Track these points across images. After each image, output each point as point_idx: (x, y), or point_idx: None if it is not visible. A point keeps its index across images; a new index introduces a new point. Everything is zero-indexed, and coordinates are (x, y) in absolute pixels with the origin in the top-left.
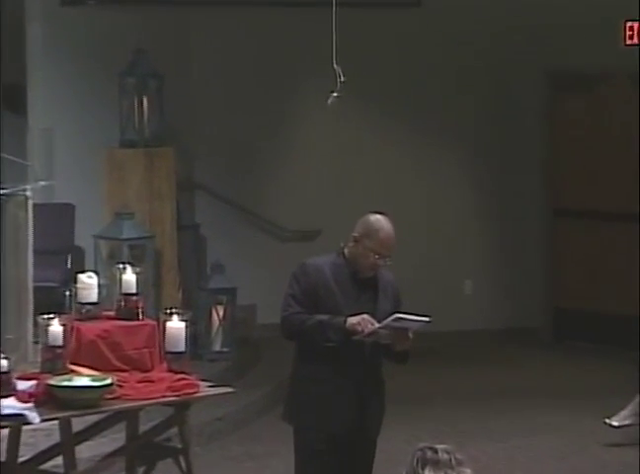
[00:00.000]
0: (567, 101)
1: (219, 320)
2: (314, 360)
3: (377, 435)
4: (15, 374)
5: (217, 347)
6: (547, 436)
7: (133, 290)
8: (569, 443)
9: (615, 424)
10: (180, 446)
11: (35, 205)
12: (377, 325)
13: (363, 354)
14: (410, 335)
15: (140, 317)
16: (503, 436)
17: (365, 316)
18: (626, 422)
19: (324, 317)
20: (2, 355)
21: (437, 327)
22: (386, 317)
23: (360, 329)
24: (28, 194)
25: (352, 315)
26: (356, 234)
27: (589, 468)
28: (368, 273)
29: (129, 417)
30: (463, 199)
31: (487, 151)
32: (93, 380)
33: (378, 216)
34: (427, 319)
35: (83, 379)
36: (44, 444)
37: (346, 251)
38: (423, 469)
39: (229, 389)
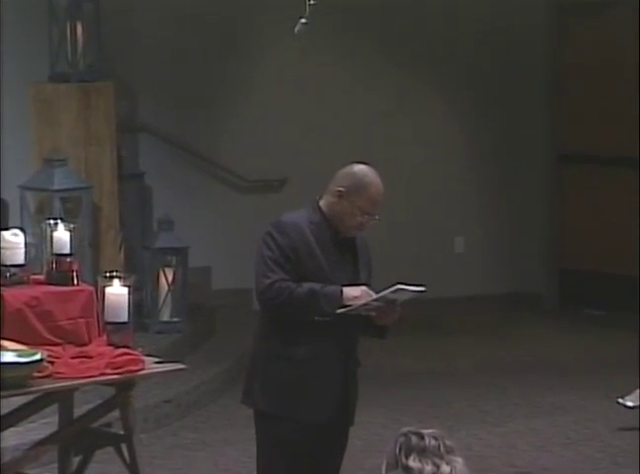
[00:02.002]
0: (575, 31)
1: (168, 285)
2: (292, 337)
3: (353, 423)
4: None
5: (166, 316)
6: (551, 419)
7: (67, 250)
8: (576, 427)
9: (630, 404)
10: (122, 433)
11: None
12: (373, 296)
13: (347, 330)
14: (399, 308)
15: (75, 282)
16: (500, 420)
17: (365, 288)
18: None
19: (316, 285)
20: None
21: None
22: (365, 284)
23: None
24: None
25: (346, 285)
26: (341, 189)
27: (598, 456)
28: (352, 233)
29: (63, 398)
30: (454, 144)
31: (482, 89)
32: (19, 355)
33: (365, 168)
34: (422, 289)
35: (8, 354)
36: None
37: (323, 205)
38: (407, 458)
39: (180, 366)
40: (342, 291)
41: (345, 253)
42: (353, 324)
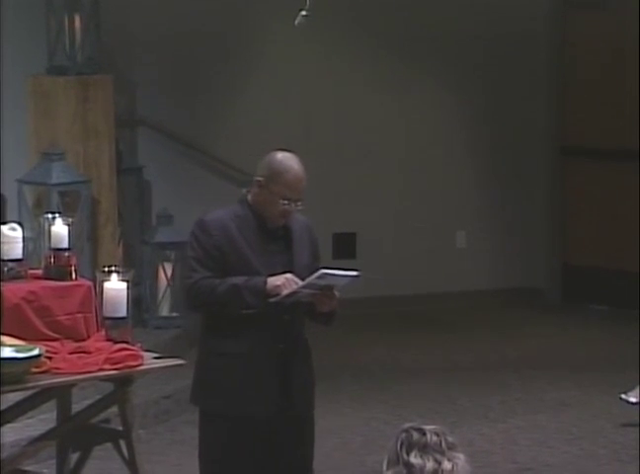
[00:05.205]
0: (577, 25)
1: (167, 280)
2: (225, 331)
3: (311, 410)
4: None
5: (165, 311)
6: (553, 415)
7: (65, 245)
8: (579, 423)
9: (633, 400)
10: (121, 429)
11: None
12: (299, 284)
13: (284, 319)
14: (336, 293)
15: (73, 276)
16: (502, 415)
17: (289, 276)
18: None
19: (239, 280)
20: None
21: (424, 287)
22: (305, 272)
23: (283, 291)
24: None
25: (271, 275)
26: (260, 179)
27: (601, 452)
28: (278, 221)
29: (61, 394)
30: (455, 138)
31: (483, 82)
32: (17, 351)
33: (284, 154)
34: (355, 273)
35: (5, 350)
36: None
37: (250, 198)
38: (408, 454)
39: (179, 361)
40: (265, 282)
41: (276, 241)
42: (289, 313)
